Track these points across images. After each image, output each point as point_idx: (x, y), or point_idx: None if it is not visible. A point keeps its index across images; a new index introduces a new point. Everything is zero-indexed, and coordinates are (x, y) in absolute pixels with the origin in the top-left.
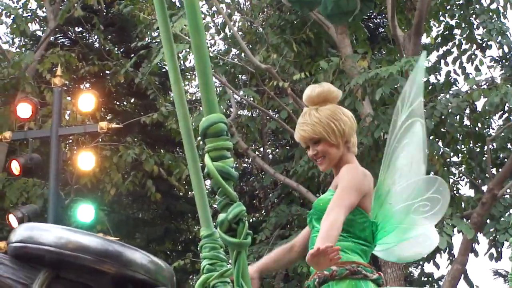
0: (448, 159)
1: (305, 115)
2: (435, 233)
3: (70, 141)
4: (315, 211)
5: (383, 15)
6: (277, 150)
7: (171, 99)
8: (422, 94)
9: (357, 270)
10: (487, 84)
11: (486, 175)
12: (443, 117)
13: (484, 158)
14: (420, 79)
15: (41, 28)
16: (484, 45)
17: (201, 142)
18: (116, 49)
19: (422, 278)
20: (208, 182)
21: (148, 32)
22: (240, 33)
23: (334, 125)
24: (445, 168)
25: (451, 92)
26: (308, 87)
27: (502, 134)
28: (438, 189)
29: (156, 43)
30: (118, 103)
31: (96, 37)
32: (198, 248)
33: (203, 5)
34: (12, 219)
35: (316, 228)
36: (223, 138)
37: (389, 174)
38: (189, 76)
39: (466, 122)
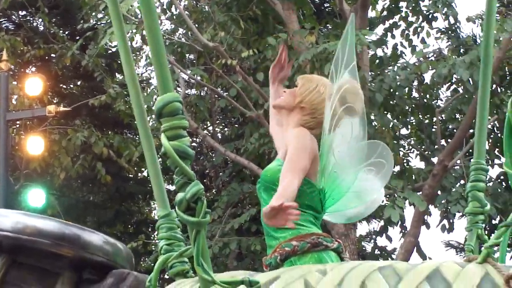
0: (398, 132)
1: None
2: (381, 195)
3: (18, 125)
4: (263, 182)
5: None
6: (227, 128)
7: (118, 80)
8: (355, 57)
9: (318, 242)
10: (434, 55)
11: (436, 146)
12: (391, 90)
13: (434, 130)
14: (352, 41)
15: None
16: (430, 16)
17: (151, 122)
18: (61, 32)
19: (375, 252)
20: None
21: (94, 14)
22: (186, 12)
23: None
24: (395, 141)
25: (398, 64)
26: None
27: (451, 105)
28: (381, 153)
29: (102, 25)
30: (65, 86)
31: (40, 20)
32: (155, 229)
33: None
34: None
35: (264, 199)
36: (178, 117)
37: (330, 137)
38: (137, 57)
39: (415, 94)
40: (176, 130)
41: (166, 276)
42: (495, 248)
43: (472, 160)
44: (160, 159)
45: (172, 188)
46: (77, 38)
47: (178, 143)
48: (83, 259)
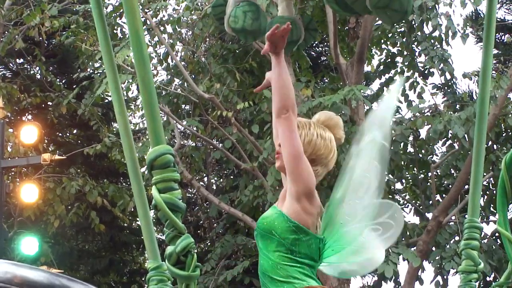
0: (393, 187)
1: None
2: (381, 256)
3: (13, 173)
4: (259, 230)
5: (325, 43)
6: (222, 180)
7: (114, 130)
8: (391, 118)
9: None
10: (430, 111)
11: (431, 202)
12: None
13: (429, 185)
14: (393, 104)
15: None
16: (426, 72)
17: (146, 172)
18: (58, 80)
19: None
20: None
21: (90, 63)
22: (182, 63)
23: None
24: (390, 196)
25: (394, 119)
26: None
27: (446, 161)
28: (393, 215)
29: (99, 74)
30: (61, 134)
31: (37, 68)
32: (146, 280)
33: (145, 35)
34: None
35: (260, 248)
36: (170, 170)
37: (341, 187)
38: (132, 107)
39: (410, 149)
40: (168, 183)
41: None
42: None
43: (466, 217)
44: (152, 210)
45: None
46: (74, 86)
47: (169, 195)
48: None
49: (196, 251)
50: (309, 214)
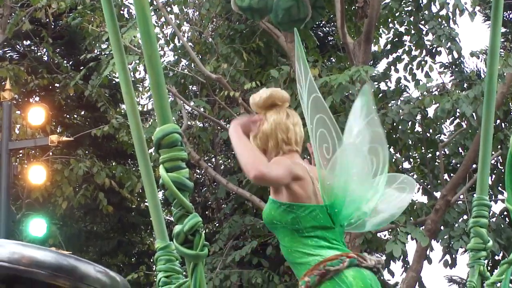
0: (401, 166)
1: None
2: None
3: (21, 155)
4: (266, 224)
5: (332, 23)
6: (229, 160)
7: (122, 111)
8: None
9: (325, 271)
10: (438, 90)
11: (439, 181)
12: (394, 124)
13: (437, 164)
14: (302, 54)
15: None
16: (433, 51)
17: (153, 153)
18: (65, 62)
19: None
20: (161, 193)
21: (97, 44)
22: (189, 43)
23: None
24: None
25: (402, 98)
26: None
27: (454, 140)
28: (403, 181)
29: (105, 55)
30: (68, 116)
31: (45, 50)
32: (154, 261)
33: (152, 15)
34: None
35: (278, 238)
36: (177, 149)
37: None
38: (140, 88)
39: (418, 128)
40: (175, 162)
41: None
42: (498, 285)
43: (474, 195)
44: (160, 191)
45: (172, 219)
46: (81, 68)
47: (177, 174)
48: None
49: (204, 231)
50: (300, 188)
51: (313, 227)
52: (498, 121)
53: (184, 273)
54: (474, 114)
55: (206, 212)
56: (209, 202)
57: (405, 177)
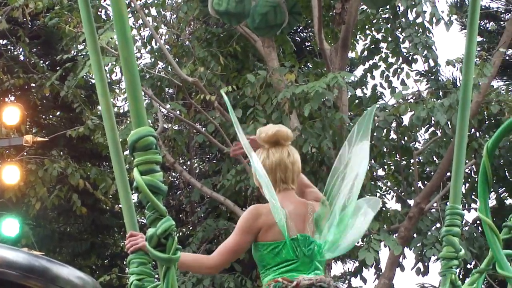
0: (375, 173)
1: None
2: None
3: None
4: None
5: (310, 28)
6: (204, 164)
7: (97, 112)
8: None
9: None
10: (413, 98)
11: (413, 189)
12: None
13: (411, 172)
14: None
15: None
16: (410, 58)
17: (128, 156)
18: (41, 62)
19: None
20: (135, 195)
21: (74, 45)
22: (166, 46)
23: None
24: (372, 182)
25: (377, 105)
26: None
27: (429, 148)
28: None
29: (82, 56)
30: (43, 116)
31: (21, 50)
32: (126, 263)
33: (129, 17)
34: None
35: None
36: (152, 152)
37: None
38: (116, 90)
39: (393, 136)
40: (149, 165)
41: None
42: None
43: (448, 204)
44: (134, 193)
45: (145, 222)
46: (57, 68)
47: (151, 178)
48: None
49: (178, 234)
50: (264, 231)
51: (276, 264)
52: (473, 130)
53: (157, 276)
54: (448, 122)
55: (180, 215)
56: (183, 205)
57: (368, 203)
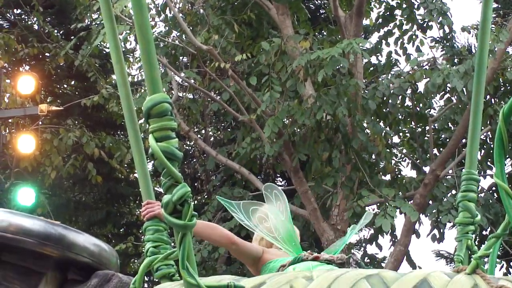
0: (390, 140)
1: None
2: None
3: (10, 124)
4: None
5: None
6: (219, 132)
7: (112, 81)
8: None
9: None
10: (428, 64)
11: (428, 156)
12: (385, 98)
13: (426, 139)
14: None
15: None
16: (425, 25)
17: (143, 124)
18: (55, 31)
19: (365, 260)
20: (151, 164)
21: (88, 14)
22: (180, 14)
23: None
24: (388, 149)
25: (392, 72)
26: None
27: (444, 114)
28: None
29: (96, 25)
30: (58, 85)
31: (35, 19)
32: (142, 231)
33: None
34: None
35: None
36: (167, 118)
37: None
38: (130, 58)
39: (408, 103)
40: (165, 132)
41: (155, 279)
42: (485, 259)
43: (463, 170)
44: (149, 161)
45: (161, 190)
46: (71, 38)
47: (166, 144)
48: (68, 259)
49: (194, 202)
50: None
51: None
52: (488, 96)
53: (173, 243)
54: (464, 89)
55: (195, 184)
56: (198, 174)
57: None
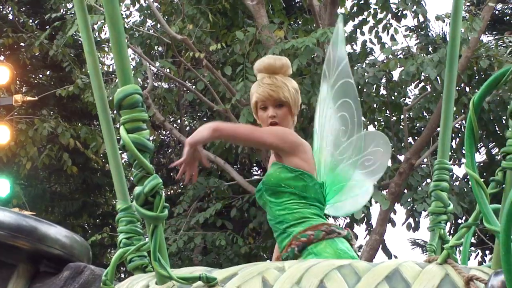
0: (365, 129)
1: (271, 78)
2: (370, 189)
3: None
4: (268, 187)
5: None
6: (195, 122)
7: (87, 71)
8: (346, 55)
9: (331, 230)
10: (403, 53)
11: (403, 145)
12: (359, 87)
13: (401, 127)
14: (342, 39)
15: None
16: (399, 14)
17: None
18: (30, 21)
19: None
20: (125, 154)
21: (63, 4)
22: (156, 4)
23: (297, 97)
24: None
25: (367, 61)
26: (269, 57)
27: (419, 103)
28: (379, 142)
29: (71, 15)
30: (33, 76)
31: (10, 9)
32: (115, 222)
33: None
34: None
35: (274, 203)
36: (138, 110)
37: (327, 140)
38: (106, 48)
39: (383, 91)
40: (136, 123)
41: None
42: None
43: (436, 159)
44: (122, 152)
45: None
46: (46, 27)
47: (137, 135)
48: (40, 251)
49: (169, 193)
50: (307, 162)
51: (315, 199)
52: (463, 85)
53: (146, 235)
54: (438, 77)
55: (171, 174)
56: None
57: (380, 135)
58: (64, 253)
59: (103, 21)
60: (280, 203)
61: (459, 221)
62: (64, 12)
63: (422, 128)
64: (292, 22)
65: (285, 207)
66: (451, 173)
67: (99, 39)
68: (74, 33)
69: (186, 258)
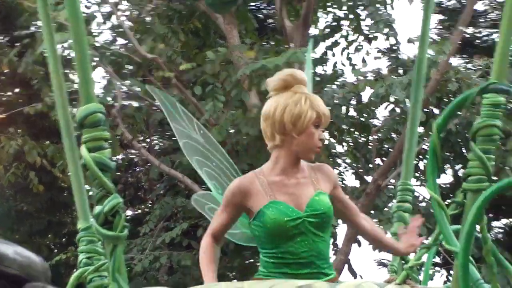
0: (334, 150)
1: (316, 97)
2: None
3: None
4: (326, 216)
5: (273, 5)
6: (164, 141)
7: None
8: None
9: None
10: (373, 75)
11: (371, 165)
12: (329, 108)
13: (369, 148)
14: (309, 70)
15: None
16: (371, 36)
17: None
18: (0, 38)
19: None
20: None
21: (33, 21)
22: (128, 22)
23: None
24: (331, 159)
25: (337, 83)
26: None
27: (387, 125)
28: None
29: (41, 32)
30: (1, 93)
31: None
32: (76, 241)
33: None
34: None
35: (320, 233)
36: (100, 128)
37: None
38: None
39: (352, 113)
40: (97, 142)
41: None
42: (421, 269)
43: (399, 180)
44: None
45: None
46: (16, 44)
47: (99, 155)
48: None
49: (136, 212)
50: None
51: None
52: (431, 107)
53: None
54: (407, 100)
55: (139, 193)
56: (142, 183)
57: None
58: (21, 273)
59: None
60: (327, 236)
61: (426, 241)
62: (34, 30)
63: (390, 150)
64: (264, 43)
65: (327, 241)
66: (414, 195)
67: (70, 57)
68: (43, 50)
69: (151, 277)
